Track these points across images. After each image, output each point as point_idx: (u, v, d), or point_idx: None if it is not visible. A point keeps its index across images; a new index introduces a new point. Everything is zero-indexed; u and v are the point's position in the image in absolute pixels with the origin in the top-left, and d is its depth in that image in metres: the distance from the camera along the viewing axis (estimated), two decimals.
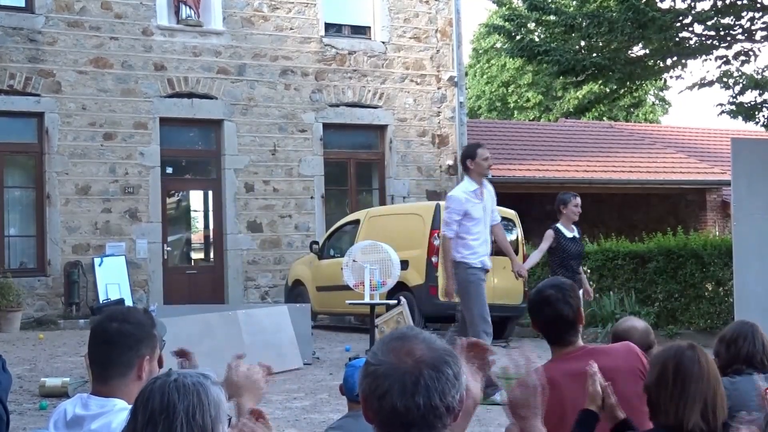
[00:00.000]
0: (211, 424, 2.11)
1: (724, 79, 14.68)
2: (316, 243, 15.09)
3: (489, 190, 8.44)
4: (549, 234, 9.05)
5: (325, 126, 17.58)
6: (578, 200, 9.18)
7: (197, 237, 18.23)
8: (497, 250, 8.98)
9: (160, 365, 3.80)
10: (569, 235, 9.06)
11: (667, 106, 39.13)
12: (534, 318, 3.87)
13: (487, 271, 8.34)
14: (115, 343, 2.88)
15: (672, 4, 14.19)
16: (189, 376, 2.15)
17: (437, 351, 1.96)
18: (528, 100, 34.37)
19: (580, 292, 8.91)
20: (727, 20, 13.62)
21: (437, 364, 1.94)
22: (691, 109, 63.03)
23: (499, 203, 8.73)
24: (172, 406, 2.09)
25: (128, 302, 14.99)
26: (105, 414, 2.78)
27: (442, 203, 13.98)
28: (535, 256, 9.24)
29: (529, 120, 32.89)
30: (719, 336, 4.41)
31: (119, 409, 2.76)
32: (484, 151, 8.30)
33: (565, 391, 3.55)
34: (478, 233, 8.19)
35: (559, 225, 9.10)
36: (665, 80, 16.41)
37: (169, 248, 16.57)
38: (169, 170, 16.67)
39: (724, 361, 4.24)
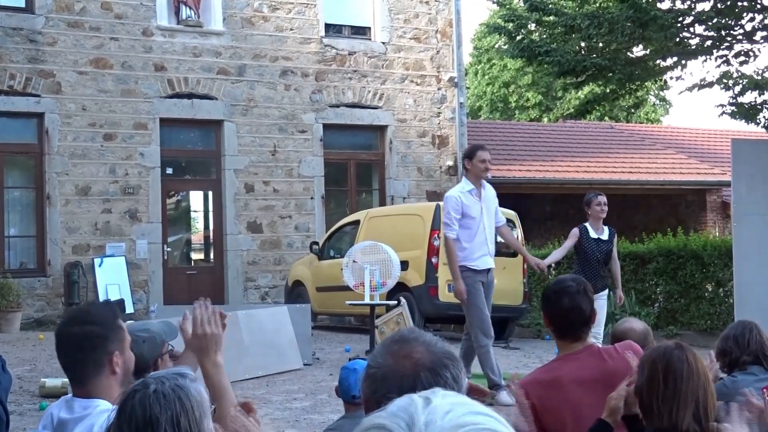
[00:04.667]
0: (197, 425, 2.11)
1: (724, 80, 14.65)
2: (316, 243, 15.09)
3: (489, 192, 8.45)
4: (573, 232, 9.13)
5: (325, 126, 17.57)
6: (601, 198, 9.16)
7: (197, 237, 18.23)
8: (497, 251, 8.99)
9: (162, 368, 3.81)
10: (594, 235, 9.06)
11: (668, 106, 39.11)
12: (549, 308, 3.76)
13: (489, 270, 8.34)
14: (81, 346, 2.87)
15: (672, 4, 14.19)
16: (167, 380, 2.12)
17: (436, 354, 1.94)
18: (528, 100, 34.37)
19: (604, 293, 9.00)
20: (727, 21, 13.60)
21: (435, 367, 1.91)
22: (691, 109, 63.04)
23: (499, 203, 8.73)
24: (155, 419, 2.08)
25: (128, 303, 15.03)
26: (87, 417, 2.79)
27: (442, 204, 14.05)
28: (557, 253, 9.28)
29: (530, 120, 32.88)
30: (723, 335, 4.45)
31: (100, 411, 2.76)
32: (484, 153, 8.29)
33: (568, 395, 3.54)
34: (475, 234, 8.20)
35: (586, 224, 9.15)
36: (665, 81, 16.37)
37: (169, 249, 16.56)
38: (169, 171, 16.66)
39: (735, 355, 4.29)
